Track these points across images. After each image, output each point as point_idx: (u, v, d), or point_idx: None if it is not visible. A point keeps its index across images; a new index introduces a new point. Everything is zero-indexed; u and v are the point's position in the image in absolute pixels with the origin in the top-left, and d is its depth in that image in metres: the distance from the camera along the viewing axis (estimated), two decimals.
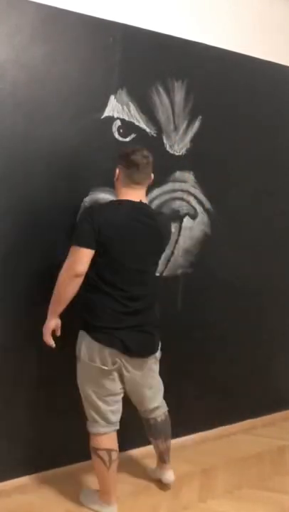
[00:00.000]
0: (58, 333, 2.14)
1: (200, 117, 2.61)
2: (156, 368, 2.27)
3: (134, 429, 2.55)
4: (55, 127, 2.23)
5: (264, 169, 2.90)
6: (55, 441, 2.42)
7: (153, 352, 2.19)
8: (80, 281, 2.00)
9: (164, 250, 2.26)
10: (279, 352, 3.17)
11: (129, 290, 2.07)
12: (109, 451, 2.13)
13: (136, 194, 2.09)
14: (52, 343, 2.11)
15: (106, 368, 2.06)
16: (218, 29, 2.62)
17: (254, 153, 2.85)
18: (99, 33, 2.28)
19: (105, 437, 2.13)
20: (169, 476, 2.38)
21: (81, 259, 1.98)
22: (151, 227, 2.09)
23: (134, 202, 2.08)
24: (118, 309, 2.05)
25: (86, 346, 2.07)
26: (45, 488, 2.36)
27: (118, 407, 2.16)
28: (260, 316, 3.04)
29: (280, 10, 2.88)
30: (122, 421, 2.54)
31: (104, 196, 2.36)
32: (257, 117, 2.82)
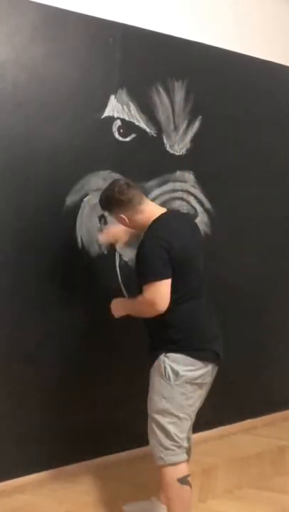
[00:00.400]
0: None
1: (200, 117, 2.61)
2: None
3: (134, 428, 2.55)
4: (56, 127, 2.24)
5: (264, 169, 2.90)
6: (55, 441, 2.42)
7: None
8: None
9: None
10: (279, 352, 3.17)
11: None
12: (188, 476, 1.91)
13: (155, 206, 1.98)
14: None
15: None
16: (218, 29, 2.63)
17: (254, 153, 2.85)
18: (99, 33, 2.29)
19: (185, 464, 1.91)
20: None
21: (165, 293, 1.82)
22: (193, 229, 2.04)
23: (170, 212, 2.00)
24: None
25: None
26: (45, 488, 2.36)
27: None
28: (261, 315, 3.03)
29: (280, 10, 2.88)
30: (122, 421, 2.55)
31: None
32: (257, 117, 2.82)
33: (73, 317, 2.39)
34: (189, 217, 2.23)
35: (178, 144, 2.57)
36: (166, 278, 1.81)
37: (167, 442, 1.89)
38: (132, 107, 2.40)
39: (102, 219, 2.37)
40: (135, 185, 1.97)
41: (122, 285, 2.50)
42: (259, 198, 2.91)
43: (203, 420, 2.90)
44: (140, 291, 1.87)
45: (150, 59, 2.42)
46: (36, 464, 2.40)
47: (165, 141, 2.53)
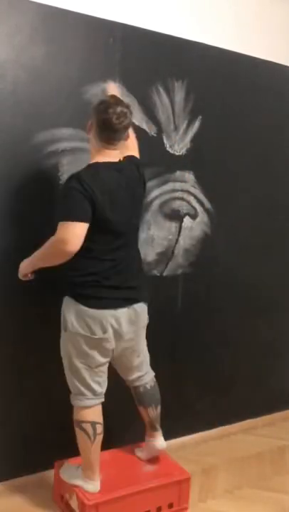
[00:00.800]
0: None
1: (200, 117, 2.61)
2: (144, 333, 2.18)
3: (136, 426, 2.55)
4: (56, 127, 2.23)
5: (264, 169, 2.90)
6: (55, 441, 2.42)
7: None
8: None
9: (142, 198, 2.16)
10: (279, 352, 3.17)
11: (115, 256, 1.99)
12: (94, 423, 2.06)
13: (112, 155, 1.99)
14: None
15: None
16: (218, 29, 2.63)
17: (254, 153, 2.85)
18: (99, 33, 2.29)
19: (91, 410, 2.06)
20: (162, 442, 2.29)
21: (76, 234, 1.85)
22: (129, 186, 2.01)
23: (113, 163, 1.98)
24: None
25: None
26: (45, 488, 2.35)
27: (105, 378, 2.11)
28: (261, 315, 3.04)
29: (281, 10, 2.88)
30: (123, 419, 2.55)
31: None
32: (257, 117, 2.82)
33: None
34: (130, 170, 2.05)
35: (178, 144, 2.57)
36: (81, 221, 1.86)
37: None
38: (132, 107, 2.40)
39: None
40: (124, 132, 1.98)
41: None
42: (259, 197, 2.91)
43: (203, 420, 2.91)
44: None
45: (150, 59, 2.42)
46: (36, 463, 2.40)
47: (165, 141, 2.53)
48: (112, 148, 2.00)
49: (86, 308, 1.97)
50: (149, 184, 2.50)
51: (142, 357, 2.21)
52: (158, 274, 2.60)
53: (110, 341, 2.02)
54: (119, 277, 2.00)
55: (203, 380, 2.85)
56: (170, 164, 2.56)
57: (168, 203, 2.58)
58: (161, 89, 2.48)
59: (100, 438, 2.08)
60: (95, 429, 2.06)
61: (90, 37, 2.27)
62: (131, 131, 2.12)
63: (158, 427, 2.29)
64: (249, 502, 2.35)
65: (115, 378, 2.19)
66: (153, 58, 2.43)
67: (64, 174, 2.27)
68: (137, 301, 2.07)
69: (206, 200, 2.69)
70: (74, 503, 2.09)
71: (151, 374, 2.27)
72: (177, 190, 2.60)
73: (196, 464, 2.62)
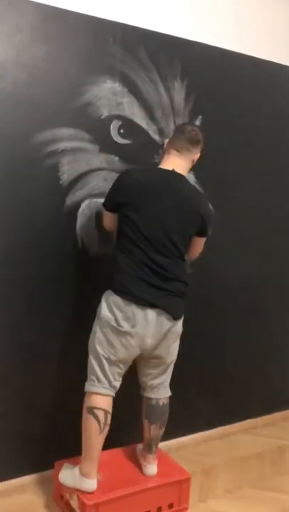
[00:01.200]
0: None
1: (200, 117, 2.60)
2: (174, 348, 2.20)
3: (135, 426, 2.55)
4: (56, 127, 2.23)
5: (264, 168, 2.90)
6: (56, 440, 2.42)
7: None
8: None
9: (192, 229, 2.14)
10: (279, 352, 3.17)
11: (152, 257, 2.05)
12: (106, 412, 2.05)
13: (171, 162, 2.12)
14: None
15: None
16: (218, 29, 2.63)
17: (255, 153, 2.85)
18: (99, 33, 2.29)
19: (105, 399, 2.07)
20: (152, 469, 2.25)
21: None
22: (175, 199, 2.08)
23: (165, 169, 2.11)
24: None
25: None
26: (45, 488, 2.36)
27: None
28: (261, 315, 3.04)
29: (281, 9, 2.88)
30: (123, 419, 2.55)
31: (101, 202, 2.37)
32: (257, 117, 2.82)
33: (74, 317, 2.39)
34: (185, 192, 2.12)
35: None
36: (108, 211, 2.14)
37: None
38: (132, 107, 2.40)
39: None
40: (192, 143, 2.15)
41: None
42: (260, 197, 2.91)
43: (203, 420, 2.92)
44: None
45: (150, 59, 2.42)
46: (37, 463, 2.40)
47: (165, 141, 2.52)
48: (174, 153, 2.12)
49: (117, 300, 2.03)
50: None
51: (168, 371, 2.24)
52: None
53: (134, 337, 2.04)
54: (154, 281, 2.05)
55: (203, 380, 2.85)
56: None
57: None
58: (161, 89, 2.48)
59: (107, 430, 2.07)
60: (106, 418, 2.05)
61: (90, 37, 2.27)
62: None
63: (154, 449, 2.26)
64: (249, 502, 2.35)
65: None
66: (153, 58, 2.43)
67: (64, 174, 2.27)
68: (167, 311, 2.08)
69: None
70: (74, 503, 2.09)
71: (168, 393, 2.27)
72: None
73: (196, 464, 2.62)
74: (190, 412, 2.81)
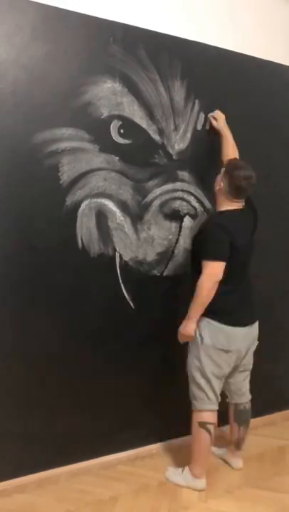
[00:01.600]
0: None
1: (200, 117, 2.60)
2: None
3: (135, 428, 2.56)
4: (56, 127, 2.23)
5: (264, 168, 2.90)
6: (55, 440, 2.42)
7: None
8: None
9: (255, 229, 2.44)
10: (279, 352, 3.16)
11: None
12: (215, 426, 2.39)
13: (237, 204, 2.35)
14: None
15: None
16: (218, 29, 2.62)
17: (254, 152, 2.84)
18: (99, 33, 2.29)
19: (214, 414, 2.38)
20: (239, 463, 2.61)
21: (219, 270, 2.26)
22: (248, 227, 2.40)
23: (237, 210, 2.34)
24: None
25: None
26: (45, 487, 2.36)
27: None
28: (261, 315, 3.03)
29: (281, 9, 2.88)
30: (123, 421, 2.55)
31: (102, 202, 2.37)
32: (258, 116, 2.81)
33: (74, 317, 2.39)
34: (248, 214, 2.41)
35: (178, 144, 2.57)
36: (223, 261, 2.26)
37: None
38: (132, 107, 2.40)
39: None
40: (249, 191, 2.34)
41: (122, 285, 2.50)
42: (259, 197, 2.90)
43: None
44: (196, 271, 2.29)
45: (150, 59, 2.42)
46: (36, 463, 2.40)
47: (165, 141, 2.53)
48: (239, 201, 2.35)
49: (219, 325, 2.30)
50: (149, 184, 2.51)
51: (249, 377, 2.57)
52: (158, 274, 2.60)
53: (234, 355, 2.35)
54: (243, 301, 2.38)
55: None
56: (170, 164, 2.56)
57: (168, 203, 2.58)
58: (161, 89, 2.48)
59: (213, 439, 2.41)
60: (214, 431, 2.40)
61: (90, 37, 2.27)
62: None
63: (242, 447, 2.61)
64: (249, 502, 2.35)
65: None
66: (153, 58, 2.43)
67: (64, 174, 2.27)
68: (254, 320, 2.43)
69: (206, 199, 2.69)
70: None
71: (249, 396, 2.59)
72: (177, 190, 2.60)
73: None
74: (190, 412, 2.80)
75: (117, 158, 2.40)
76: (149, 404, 2.65)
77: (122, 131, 2.40)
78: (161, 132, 2.51)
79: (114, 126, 2.38)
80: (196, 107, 2.58)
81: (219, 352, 2.31)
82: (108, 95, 2.34)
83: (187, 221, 2.65)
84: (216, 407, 2.39)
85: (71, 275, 2.37)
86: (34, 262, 2.26)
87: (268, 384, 3.13)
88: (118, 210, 2.43)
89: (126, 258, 2.49)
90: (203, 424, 2.35)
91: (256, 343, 2.49)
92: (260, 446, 2.87)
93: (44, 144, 2.22)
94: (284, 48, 2.90)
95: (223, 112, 2.63)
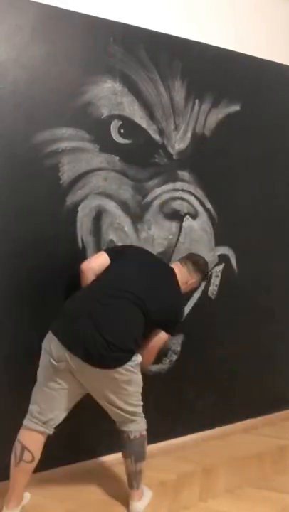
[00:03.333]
0: None
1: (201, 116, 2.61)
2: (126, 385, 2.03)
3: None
4: (56, 127, 2.23)
5: (264, 168, 2.90)
6: (55, 440, 2.42)
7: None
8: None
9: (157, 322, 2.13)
10: (279, 352, 3.17)
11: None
12: (23, 447, 1.98)
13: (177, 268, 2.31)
14: None
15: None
16: (218, 29, 2.63)
17: (255, 152, 2.85)
18: (99, 33, 2.29)
19: (26, 432, 2.01)
20: (137, 507, 2.14)
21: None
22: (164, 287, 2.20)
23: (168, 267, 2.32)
24: None
25: None
26: (45, 487, 2.36)
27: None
28: (261, 315, 3.04)
29: (281, 9, 2.89)
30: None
31: (102, 202, 2.37)
32: (257, 116, 2.82)
33: None
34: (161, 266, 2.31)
35: (178, 144, 2.57)
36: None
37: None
38: (132, 107, 2.40)
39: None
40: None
41: None
42: (259, 197, 2.91)
43: (204, 420, 2.91)
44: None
45: (150, 59, 2.42)
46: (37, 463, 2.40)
47: (165, 141, 2.53)
48: (177, 264, 2.36)
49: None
50: (149, 184, 2.51)
51: (119, 412, 2.08)
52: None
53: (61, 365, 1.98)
54: (89, 316, 2.01)
55: (204, 380, 2.85)
56: (170, 164, 2.56)
57: (168, 203, 2.58)
58: (161, 89, 2.48)
59: (25, 466, 2.04)
60: (22, 452, 2.03)
61: (90, 37, 2.27)
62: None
63: (134, 484, 2.14)
64: (250, 502, 2.35)
65: None
66: (153, 58, 2.43)
67: (64, 174, 2.28)
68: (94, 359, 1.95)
69: (207, 199, 2.69)
70: None
71: (139, 426, 2.12)
72: (177, 190, 2.60)
73: (196, 463, 2.62)
74: (190, 412, 2.80)
75: (117, 158, 2.40)
76: (150, 404, 2.65)
77: (122, 131, 2.40)
78: (161, 132, 2.51)
79: (114, 126, 2.38)
80: (196, 107, 2.59)
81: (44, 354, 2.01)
82: (108, 95, 2.34)
83: (187, 221, 2.65)
84: (35, 426, 2.01)
85: (71, 275, 2.36)
86: (34, 261, 2.26)
87: (268, 384, 3.13)
88: (118, 210, 2.43)
89: None
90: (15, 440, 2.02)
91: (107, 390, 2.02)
92: (260, 445, 2.87)
93: (44, 143, 2.22)
94: (284, 48, 2.90)
95: (223, 111, 2.64)
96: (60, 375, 1.99)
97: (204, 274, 2.40)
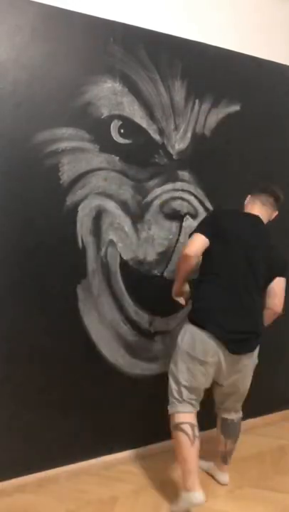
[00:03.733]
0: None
1: (201, 116, 2.61)
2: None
3: (136, 428, 2.56)
4: (56, 127, 2.23)
5: (264, 168, 2.90)
6: (55, 440, 2.42)
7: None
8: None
9: (270, 273, 2.31)
10: (279, 352, 3.16)
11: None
12: (193, 425, 2.20)
13: (257, 209, 2.35)
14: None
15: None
16: (218, 28, 2.63)
17: (255, 152, 2.85)
18: (99, 33, 2.29)
19: (189, 414, 2.23)
20: (226, 477, 2.48)
21: (194, 242, 2.22)
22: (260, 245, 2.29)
23: (250, 215, 2.34)
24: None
25: None
26: (45, 487, 2.36)
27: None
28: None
29: (281, 10, 2.89)
30: (123, 421, 2.55)
31: (102, 202, 2.37)
32: (257, 116, 2.82)
33: (73, 316, 2.39)
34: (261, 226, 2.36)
35: (178, 144, 2.57)
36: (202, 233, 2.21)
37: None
38: (132, 107, 2.41)
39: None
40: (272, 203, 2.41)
41: (122, 284, 2.50)
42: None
43: (203, 420, 2.91)
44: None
45: (150, 59, 2.42)
46: (36, 463, 2.40)
47: (165, 141, 2.53)
48: (262, 205, 2.36)
49: (195, 329, 2.20)
50: (150, 183, 2.51)
51: (239, 402, 2.43)
52: (158, 274, 2.60)
53: (211, 367, 2.21)
54: (237, 314, 2.19)
55: None
56: (170, 164, 2.56)
57: (168, 203, 2.58)
58: (161, 89, 2.48)
59: (198, 442, 2.23)
60: (193, 431, 2.23)
61: (90, 37, 2.27)
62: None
63: (228, 460, 2.46)
64: (250, 501, 2.35)
65: None
66: (153, 58, 2.43)
67: (64, 174, 2.28)
68: (247, 349, 2.28)
69: (207, 199, 2.69)
70: None
71: (239, 415, 2.46)
72: (178, 190, 2.60)
73: None
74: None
75: (118, 158, 2.40)
76: (149, 404, 2.65)
77: (122, 130, 2.40)
78: (161, 132, 2.51)
79: (114, 126, 2.38)
80: (196, 107, 2.59)
81: (194, 361, 2.17)
82: (108, 95, 2.34)
83: (187, 221, 2.65)
84: (190, 409, 2.23)
85: (71, 275, 2.37)
86: (34, 262, 2.26)
87: (268, 384, 3.13)
88: (118, 210, 2.43)
89: (126, 258, 2.49)
90: (176, 426, 2.19)
91: (248, 373, 2.35)
92: (260, 446, 2.87)
93: (44, 143, 2.22)
94: (284, 48, 2.90)
95: (223, 111, 2.64)
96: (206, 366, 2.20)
97: (282, 199, 2.43)
